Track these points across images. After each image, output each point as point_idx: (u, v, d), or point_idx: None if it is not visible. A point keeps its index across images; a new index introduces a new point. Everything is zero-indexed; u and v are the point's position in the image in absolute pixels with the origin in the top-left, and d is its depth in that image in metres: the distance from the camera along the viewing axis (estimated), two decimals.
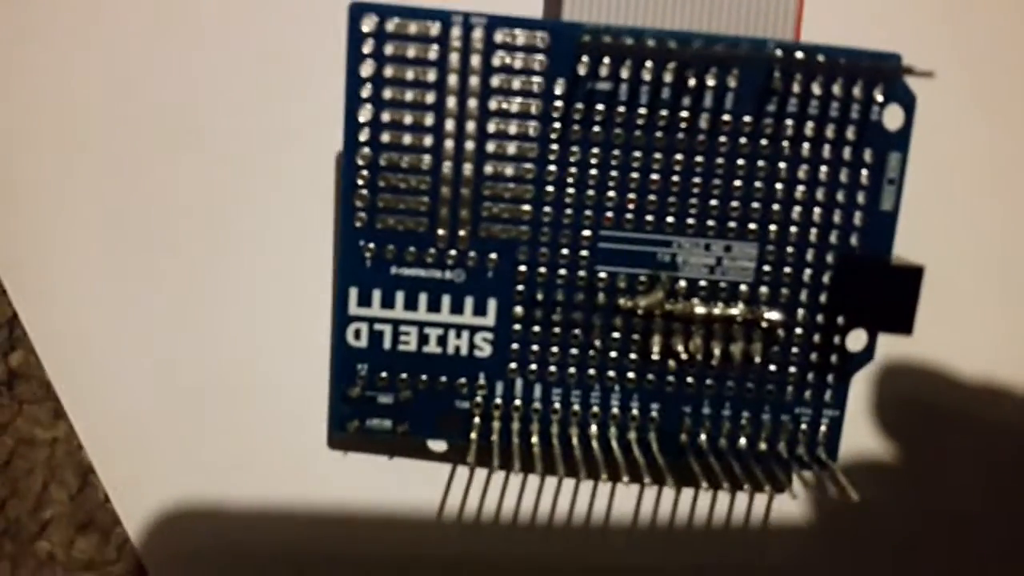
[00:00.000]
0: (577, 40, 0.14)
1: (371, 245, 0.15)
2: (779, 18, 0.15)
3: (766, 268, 0.15)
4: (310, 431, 0.17)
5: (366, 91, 0.14)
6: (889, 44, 0.14)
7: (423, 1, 0.14)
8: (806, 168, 0.14)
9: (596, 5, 0.15)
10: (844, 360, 0.15)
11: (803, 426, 0.15)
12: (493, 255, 0.15)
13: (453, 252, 0.15)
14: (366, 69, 0.14)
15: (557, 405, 0.15)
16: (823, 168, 0.14)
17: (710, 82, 0.14)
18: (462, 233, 0.15)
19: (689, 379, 0.15)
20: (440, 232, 0.15)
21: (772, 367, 0.15)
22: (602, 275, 0.15)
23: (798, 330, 0.15)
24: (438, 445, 0.17)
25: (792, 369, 0.15)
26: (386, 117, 0.14)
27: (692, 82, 0.14)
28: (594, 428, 0.15)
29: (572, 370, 0.15)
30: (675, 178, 0.14)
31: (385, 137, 0.14)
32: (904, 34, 0.15)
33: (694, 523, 0.17)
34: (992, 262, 0.16)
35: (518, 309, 0.15)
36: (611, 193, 0.14)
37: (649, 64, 0.14)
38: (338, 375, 0.15)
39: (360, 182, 0.14)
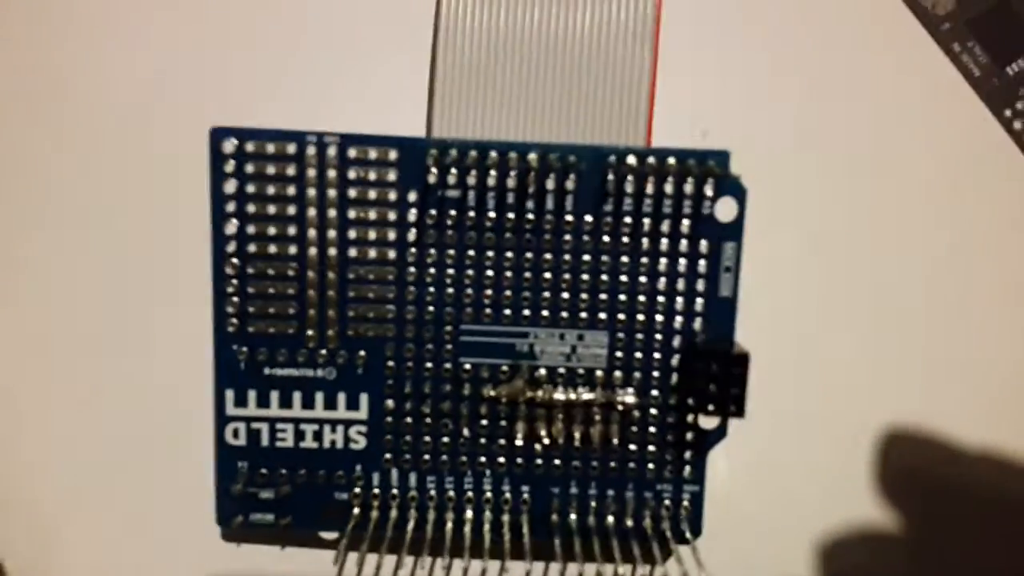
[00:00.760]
0: (424, 154, 0.15)
1: (244, 349, 0.15)
2: (630, 126, 0.16)
3: (618, 354, 0.15)
4: (206, 523, 0.17)
5: (230, 207, 0.15)
6: (739, 139, 0.15)
7: (297, 123, 0.15)
8: (647, 260, 0.15)
9: (464, 121, 0.16)
10: (699, 438, 0.16)
11: (666, 502, 0.16)
12: (362, 352, 0.16)
13: (323, 351, 0.15)
14: (229, 187, 0.15)
15: (432, 492, 0.16)
16: (663, 260, 0.15)
17: (550, 186, 0.15)
18: (331, 333, 0.16)
19: (555, 461, 0.16)
20: (309, 333, 0.16)
21: (631, 447, 0.16)
22: (466, 367, 0.16)
23: (652, 411, 0.16)
24: (329, 534, 0.17)
25: (651, 448, 0.16)
26: (251, 229, 0.15)
27: (532, 188, 0.15)
28: (469, 512, 0.16)
29: (444, 457, 0.16)
30: (527, 274, 0.15)
31: (251, 248, 0.15)
32: (757, 126, 0.16)
33: None
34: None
35: (389, 402, 0.16)
36: (468, 290, 0.15)
37: (493, 173, 0.15)
38: (220, 472, 0.16)
39: (230, 290, 0.15)
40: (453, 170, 0.15)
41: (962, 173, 0.17)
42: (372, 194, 0.15)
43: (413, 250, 0.15)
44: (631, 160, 0.15)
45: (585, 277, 0.15)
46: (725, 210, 0.15)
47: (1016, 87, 0.17)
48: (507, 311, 0.15)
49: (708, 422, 0.16)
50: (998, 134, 0.17)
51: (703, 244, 0.15)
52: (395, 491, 0.16)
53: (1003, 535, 0.17)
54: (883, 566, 0.17)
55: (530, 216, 0.15)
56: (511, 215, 0.15)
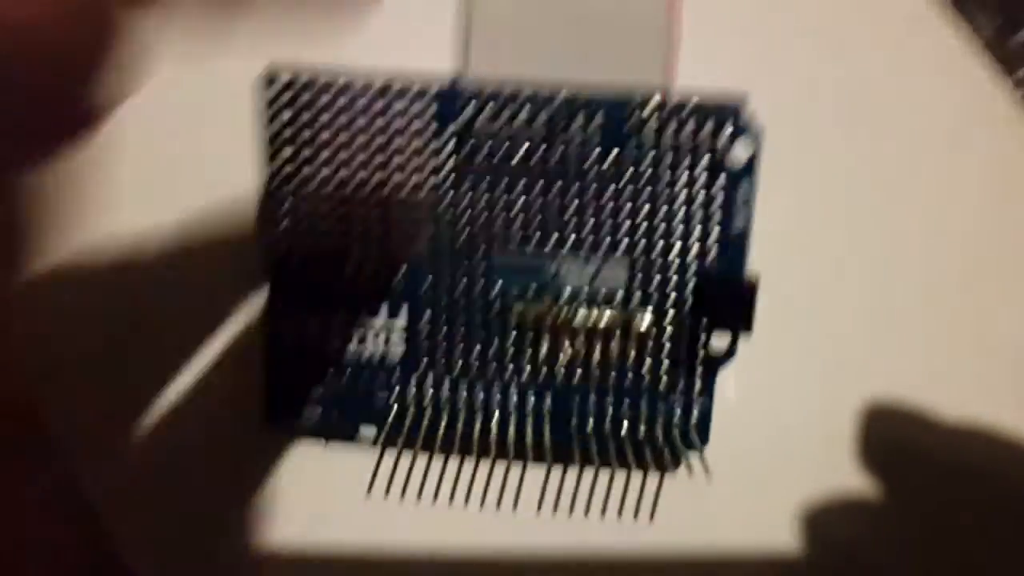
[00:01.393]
0: (461, 97, 0.16)
1: (296, 259, 0.17)
2: (655, 64, 0.17)
3: (638, 282, 0.17)
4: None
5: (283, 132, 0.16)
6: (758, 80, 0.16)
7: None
8: (667, 194, 0.16)
9: (497, 60, 0.17)
10: (711, 356, 0.17)
11: (677, 413, 0.17)
12: (403, 266, 0.17)
13: (368, 266, 0.17)
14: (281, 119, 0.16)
15: (464, 398, 0.17)
16: (682, 194, 0.16)
17: (577, 124, 0.16)
18: (371, 250, 0.17)
19: (576, 373, 0.17)
20: (356, 248, 0.17)
21: (647, 362, 0.17)
22: (496, 286, 0.17)
23: (668, 330, 0.17)
24: (368, 431, 0.19)
25: (665, 364, 0.17)
26: (305, 153, 0.16)
27: (560, 127, 0.16)
28: (496, 417, 0.17)
29: (476, 366, 0.17)
30: (554, 204, 0.16)
31: (304, 170, 0.17)
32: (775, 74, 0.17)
33: (590, 501, 0.19)
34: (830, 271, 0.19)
35: (428, 312, 0.17)
36: (500, 219, 0.16)
37: (523, 115, 0.16)
38: (271, 373, 0.17)
39: (283, 208, 0.16)
40: (488, 108, 0.16)
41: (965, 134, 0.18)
42: (415, 126, 0.16)
43: (452, 179, 0.16)
44: (653, 102, 0.16)
45: (608, 208, 0.16)
46: (741, 150, 0.16)
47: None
48: (536, 238, 0.17)
49: (719, 341, 0.17)
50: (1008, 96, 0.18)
51: (720, 180, 0.16)
52: (430, 395, 0.17)
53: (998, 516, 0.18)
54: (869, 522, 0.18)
55: (558, 152, 0.16)
56: (541, 150, 0.16)
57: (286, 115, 0.16)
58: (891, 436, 0.18)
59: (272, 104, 0.16)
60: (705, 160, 0.16)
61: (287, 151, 0.16)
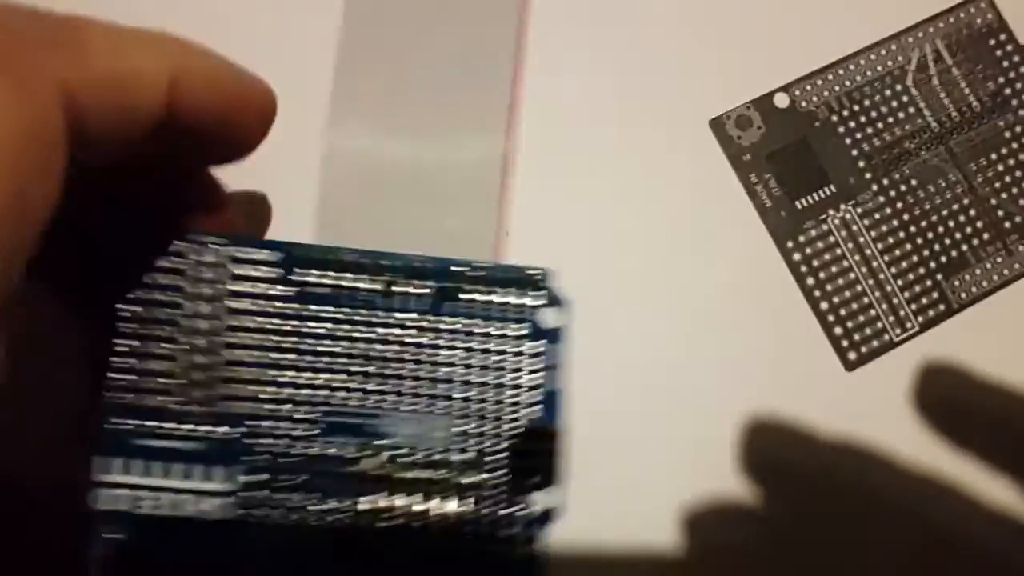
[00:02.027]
0: (305, 259, 0.16)
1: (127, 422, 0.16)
2: (480, 244, 0.18)
3: (465, 439, 0.16)
4: None
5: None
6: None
7: None
8: (485, 355, 0.16)
9: (344, 230, 0.18)
10: (538, 517, 0.16)
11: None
12: (235, 430, 0.16)
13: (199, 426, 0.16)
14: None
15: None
16: (506, 357, 0.16)
17: (408, 290, 0.16)
18: (205, 409, 0.16)
19: (415, 531, 0.16)
20: (188, 408, 0.16)
21: (482, 526, 0.16)
22: (331, 450, 0.16)
23: (497, 490, 0.16)
24: None
25: (498, 529, 0.16)
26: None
27: (391, 290, 0.16)
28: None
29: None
30: (394, 368, 0.16)
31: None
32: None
33: None
34: None
35: (262, 475, 0.16)
36: (324, 376, 0.16)
37: (361, 279, 0.16)
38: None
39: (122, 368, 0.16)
40: (322, 273, 0.16)
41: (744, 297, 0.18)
42: (256, 285, 0.16)
43: (290, 337, 0.16)
44: (471, 274, 0.16)
45: (436, 368, 0.16)
46: (550, 318, 0.16)
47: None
48: (368, 397, 0.16)
49: (541, 501, 0.16)
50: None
51: (536, 346, 0.16)
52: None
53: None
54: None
55: (390, 316, 0.16)
56: (375, 314, 0.16)
57: None
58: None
59: None
60: (521, 326, 0.16)
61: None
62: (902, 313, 0.19)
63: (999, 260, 0.19)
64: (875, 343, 0.18)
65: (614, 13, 0.19)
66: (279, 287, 0.16)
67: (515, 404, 0.16)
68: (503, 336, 0.16)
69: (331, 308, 0.16)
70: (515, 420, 0.16)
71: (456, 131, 0.18)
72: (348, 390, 0.16)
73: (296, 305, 0.16)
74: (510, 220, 0.18)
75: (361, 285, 0.16)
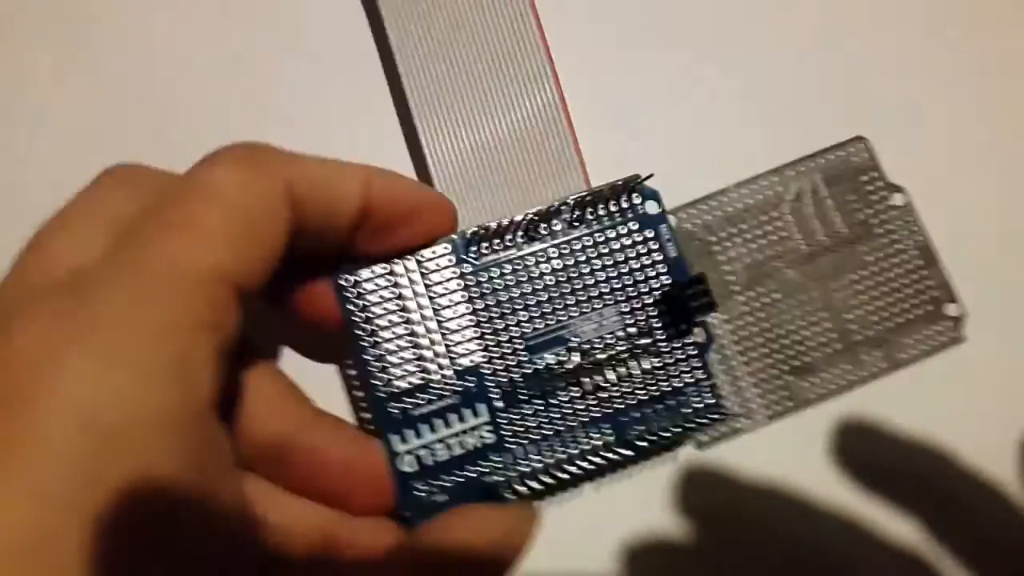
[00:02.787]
0: (466, 241, 0.21)
1: (397, 405, 0.20)
2: (575, 179, 0.23)
3: (628, 317, 0.21)
4: None
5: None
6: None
7: None
8: (623, 252, 0.21)
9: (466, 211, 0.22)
10: (700, 347, 0.21)
11: (697, 400, 0.21)
12: (471, 378, 0.21)
13: (447, 386, 0.21)
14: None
15: (549, 452, 0.21)
16: (632, 248, 0.21)
17: (546, 228, 0.21)
18: (446, 373, 0.21)
19: (620, 396, 0.21)
20: (434, 377, 0.21)
21: (660, 371, 0.21)
22: (537, 360, 0.21)
23: (663, 344, 0.21)
24: None
25: (672, 368, 0.21)
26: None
27: (539, 229, 0.21)
28: (577, 453, 0.21)
29: (548, 427, 0.21)
30: (561, 288, 0.21)
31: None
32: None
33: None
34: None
35: (499, 404, 0.21)
36: (522, 314, 0.21)
37: (509, 237, 0.21)
38: (403, 499, 0.20)
39: (380, 367, 0.20)
40: (485, 245, 0.21)
41: None
42: (447, 274, 0.21)
43: (480, 300, 0.21)
44: (587, 199, 0.21)
45: (588, 276, 0.21)
46: (652, 207, 0.21)
47: None
48: (551, 317, 0.21)
49: (699, 335, 0.21)
50: None
51: (648, 231, 0.21)
52: (522, 461, 0.21)
53: None
54: None
55: (549, 250, 0.21)
56: (536, 251, 0.21)
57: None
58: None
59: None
60: (633, 221, 0.21)
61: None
62: (752, 406, 0.22)
63: (846, 367, 0.23)
64: (725, 429, 0.22)
65: None
66: (457, 268, 0.21)
67: (656, 275, 0.21)
68: (628, 233, 0.21)
69: (500, 267, 0.21)
70: (659, 287, 0.21)
71: (515, 98, 0.23)
72: (534, 317, 0.21)
73: (474, 276, 0.21)
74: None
75: (511, 239, 0.21)
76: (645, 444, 0.21)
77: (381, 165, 0.19)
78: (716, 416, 0.21)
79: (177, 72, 0.24)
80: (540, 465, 0.21)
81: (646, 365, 0.21)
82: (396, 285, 0.20)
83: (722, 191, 0.23)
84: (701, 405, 0.21)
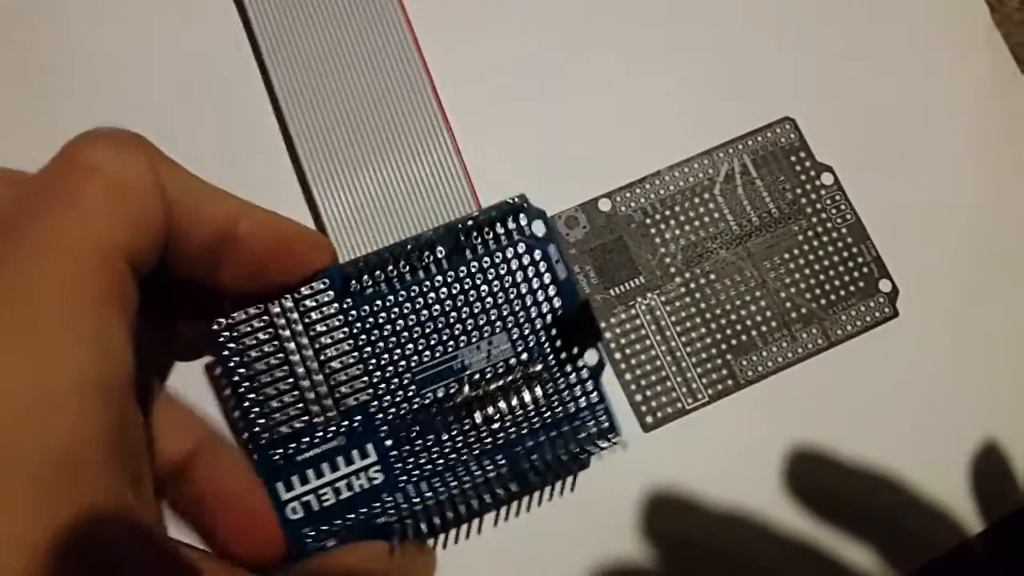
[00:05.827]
0: (344, 276, 0.20)
1: (279, 450, 0.20)
2: (461, 202, 0.22)
3: (518, 343, 0.20)
4: None
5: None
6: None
7: None
8: (511, 275, 0.20)
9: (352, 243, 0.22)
10: (593, 371, 0.20)
11: (592, 424, 0.21)
12: (357, 417, 0.20)
13: (332, 428, 0.20)
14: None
15: (442, 489, 0.20)
16: (520, 272, 0.20)
17: (429, 256, 0.20)
18: (331, 415, 0.20)
19: (511, 427, 0.20)
20: (317, 420, 0.20)
21: (553, 398, 0.20)
22: (427, 394, 0.20)
23: (554, 369, 0.20)
24: None
25: (564, 392, 0.20)
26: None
27: (426, 263, 0.20)
28: (470, 491, 0.20)
29: (440, 462, 0.20)
30: (442, 316, 0.20)
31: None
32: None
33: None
34: None
35: (388, 442, 0.20)
36: (408, 345, 0.20)
37: (390, 268, 0.20)
38: (292, 545, 0.19)
39: (254, 416, 0.19)
40: (366, 278, 0.20)
41: None
42: (326, 311, 0.20)
43: (363, 335, 0.20)
44: (470, 224, 0.20)
45: (476, 304, 0.20)
46: (539, 228, 0.20)
47: None
48: (438, 348, 0.20)
49: (592, 357, 0.20)
50: None
51: (537, 252, 0.20)
52: (415, 501, 0.20)
53: None
54: None
55: (434, 279, 0.20)
56: (419, 281, 0.20)
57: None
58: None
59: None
60: (522, 245, 0.20)
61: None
62: (694, 385, 0.22)
63: (784, 344, 0.23)
64: (669, 409, 0.22)
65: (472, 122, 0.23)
66: (337, 304, 0.20)
67: (545, 300, 0.20)
68: (515, 256, 0.20)
69: (382, 300, 0.20)
70: (549, 311, 0.20)
71: (401, 134, 0.22)
72: (421, 350, 0.20)
73: (355, 311, 0.20)
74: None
75: (394, 271, 0.20)
76: (539, 475, 0.20)
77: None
78: (612, 440, 0.20)
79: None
80: (433, 503, 0.20)
81: (539, 392, 0.20)
82: (272, 326, 0.19)
83: (656, 173, 0.23)
84: (595, 430, 0.21)
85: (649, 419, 0.22)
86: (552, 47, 0.24)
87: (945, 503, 0.22)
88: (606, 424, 0.21)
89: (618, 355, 0.22)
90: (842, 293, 0.23)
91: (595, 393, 0.21)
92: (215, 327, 0.19)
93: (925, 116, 0.24)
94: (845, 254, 0.23)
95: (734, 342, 0.23)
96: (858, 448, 0.22)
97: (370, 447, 0.20)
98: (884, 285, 0.23)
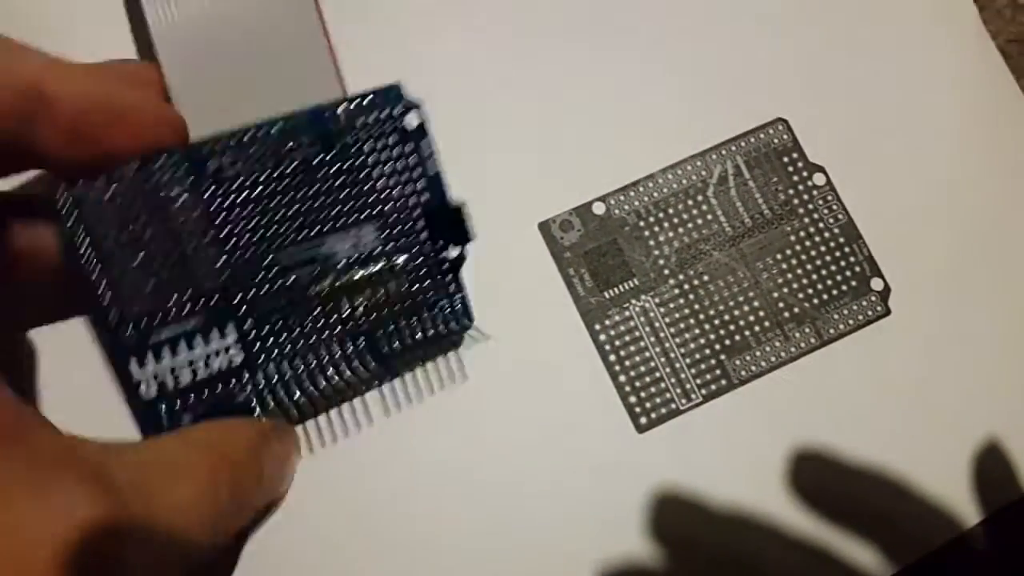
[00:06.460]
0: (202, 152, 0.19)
1: (132, 330, 0.19)
2: (324, 85, 0.20)
3: (386, 234, 0.20)
4: None
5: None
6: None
7: None
8: (382, 166, 0.20)
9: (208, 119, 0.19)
10: (453, 264, 0.21)
11: (448, 310, 0.21)
12: (216, 298, 0.19)
13: (188, 307, 0.19)
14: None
15: (302, 368, 0.20)
16: (391, 164, 0.20)
17: (295, 144, 0.19)
18: (188, 295, 0.19)
19: (373, 315, 0.20)
20: (173, 300, 0.19)
21: (414, 288, 0.21)
22: (291, 278, 0.20)
23: (419, 260, 0.20)
24: None
25: (427, 283, 0.21)
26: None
27: (292, 148, 0.19)
28: (332, 371, 0.20)
29: (301, 344, 0.20)
30: (308, 203, 0.20)
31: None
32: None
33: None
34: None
35: (248, 322, 0.20)
36: (273, 230, 0.20)
37: (253, 148, 0.19)
38: (145, 423, 0.19)
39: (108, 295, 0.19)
40: (226, 156, 0.19)
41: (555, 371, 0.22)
42: (181, 189, 0.19)
43: (224, 216, 0.19)
44: (339, 111, 0.19)
45: (345, 191, 0.20)
46: (412, 120, 0.20)
47: None
48: (304, 233, 0.20)
49: (453, 252, 0.21)
50: None
51: (409, 145, 0.20)
52: (275, 380, 0.20)
53: None
54: None
55: (293, 166, 0.19)
56: (281, 169, 0.19)
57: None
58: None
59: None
60: (394, 136, 0.20)
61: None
62: (688, 386, 0.23)
63: (777, 344, 0.23)
64: (663, 410, 0.22)
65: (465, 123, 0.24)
66: (194, 183, 0.19)
67: (414, 193, 0.20)
68: (387, 147, 0.20)
69: (242, 182, 0.19)
70: (418, 205, 0.20)
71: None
72: (284, 233, 0.19)
73: (212, 192, 0.19)
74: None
75: (257, 151, 0.19)
76: (397, 356, 0.21)
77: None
78: (466, 326, 0.21)
79: None
80: (293, 383, 0.20)
81: (402, 281, 0.21)
82: (123, 203, 0.19)
83: (649, 176, 0.24)
84: (453, 318, 0.21)
85: (643, 420, 0.22)
86: (544, 53, 0.24)
87: (939, 498, 0.23)
88: (461, 309, 0.21)
89: (612, 357, 0.23)
90: (834, 292, 0.23)
91: (454, 284, 0.21)
92: (59, 198, 0.18)
93: (916, 116, 0.25)
94: (837, 254, 0.24)
95: (727, 342, 0.23)
96: (851, 445, 0.22)
97: (230, 327, 0.20)
98: (876, 284, 0.24)
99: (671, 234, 0.23)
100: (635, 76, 0.24)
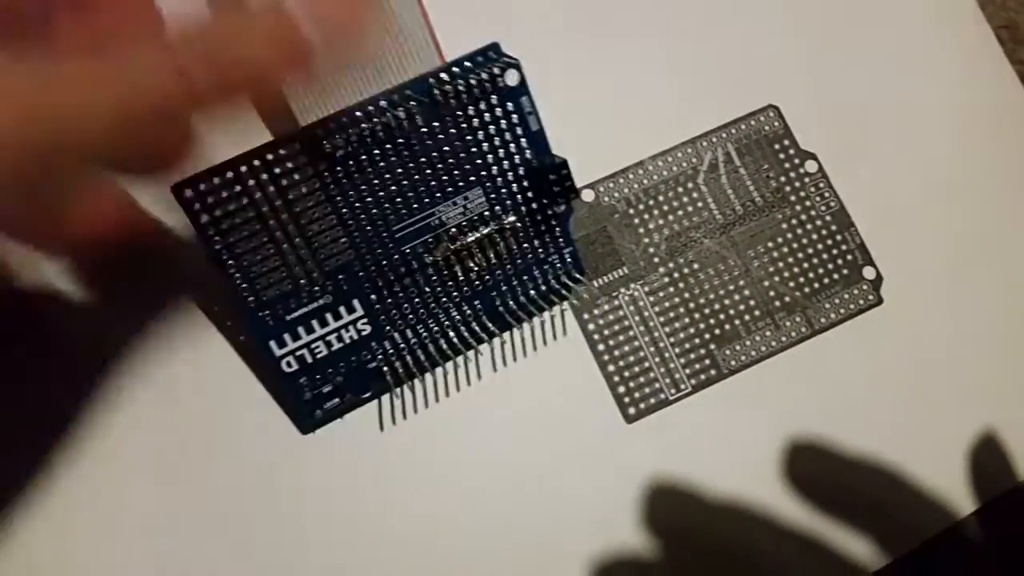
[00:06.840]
0: (314, 137, 0.19)
1: (267, 311, 0.20)
2: (423, 54, 0.21)
3: (492, 196, 0.21)
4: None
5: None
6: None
7: None
8: (485, 128, 0.20)
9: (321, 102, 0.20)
10: (560, 218, 0.21)
11: (559, 264, 0.22)
12: (341, 276, 0.21)
13: (316, 288, 0.20)
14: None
15: (425, 333, 0.21)
16: (493, 125, 0.20)
17: (403, 115, 0.20)
18: (315, 274, 0.20)
19: (487, 276, 0.21)
20: (302, 281, 0.20)
21: (526, 245, 0.21)
22: (407, 249, 0.21)
23: (528, 219, 0.21)
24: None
25: (535, 240, 0.21)
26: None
27: (399, 120, 0.20)
28: (452, 334, 0.22)
29: (423, 311, 0.21)
30: (423, 172, 0.20)
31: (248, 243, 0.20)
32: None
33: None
34: None
35: (372, 296, 0.21)
36: (387, 204, 0.20)
37: (364, 125, 0.19)
38: (289, 393, 0.21)
39: (240, 278, 0.20)
40: (338, 137, 0.19)
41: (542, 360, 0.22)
42: (300, 173, 0.19)
43: (340, 196, 0.20)
44: (443, 77, 0.20)
45: (451, 159, 0.20)
46: (512, 78, 0.20)
47: None
48: (415, 204, 0.20)
49: (558, 207, 0.21)
50: None
51: (509, 104, 0.20)
52: (401, 346, 0.21)
53: None
54: None
55: (400, 138, 0.20)
56: (389, 144, 0.20)
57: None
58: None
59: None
60: (494, 96, 0.20)
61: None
62: (677, 376, 0.22)
63: (767, 333, 0.23)
64: (652, 400, 0.22)
65: None
66: (311, 165, 0.19)
67: (517, 152, 0.21)
68: (489, 108, 0.20)
69: (356, 159, 0.20)
70: (522, 163, 0.21)
71: None
72: (399, 207, 0.20)
73: (330, 172, 0.19)
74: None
75: (367, 127, 0.19)
76: (512, 315, 0.22)
77: None
78: (577, 279, 0.22)
79: None
80: (418, 347, 0.22)
81: (511, 240, 0.21)
82: (245, 192, 0.19)
83: (639, 163, 0.23)
84: (564, 272, 0.22)
85: (632, 410, 0.22)
86: (533, 37, 0.24)
87: (932, 488, 0.22)
88: (571, 263, 0.22)
89: (601, 346, 0.22)
90: (826, 281, 0.23)
91: (562, 239, 0.22)
92: (187, 194, 0.18)
93: (909, 102, 0.24)
94: (829, 242, 0.23)
95: (717, 331, 0.23)
96: (843, 435, 0.22)
97: (356, 302, 0.21)
98: (868, 272, 0.23)
99: (661, 222, 0.23)
100: (625, 62, 0.24)
